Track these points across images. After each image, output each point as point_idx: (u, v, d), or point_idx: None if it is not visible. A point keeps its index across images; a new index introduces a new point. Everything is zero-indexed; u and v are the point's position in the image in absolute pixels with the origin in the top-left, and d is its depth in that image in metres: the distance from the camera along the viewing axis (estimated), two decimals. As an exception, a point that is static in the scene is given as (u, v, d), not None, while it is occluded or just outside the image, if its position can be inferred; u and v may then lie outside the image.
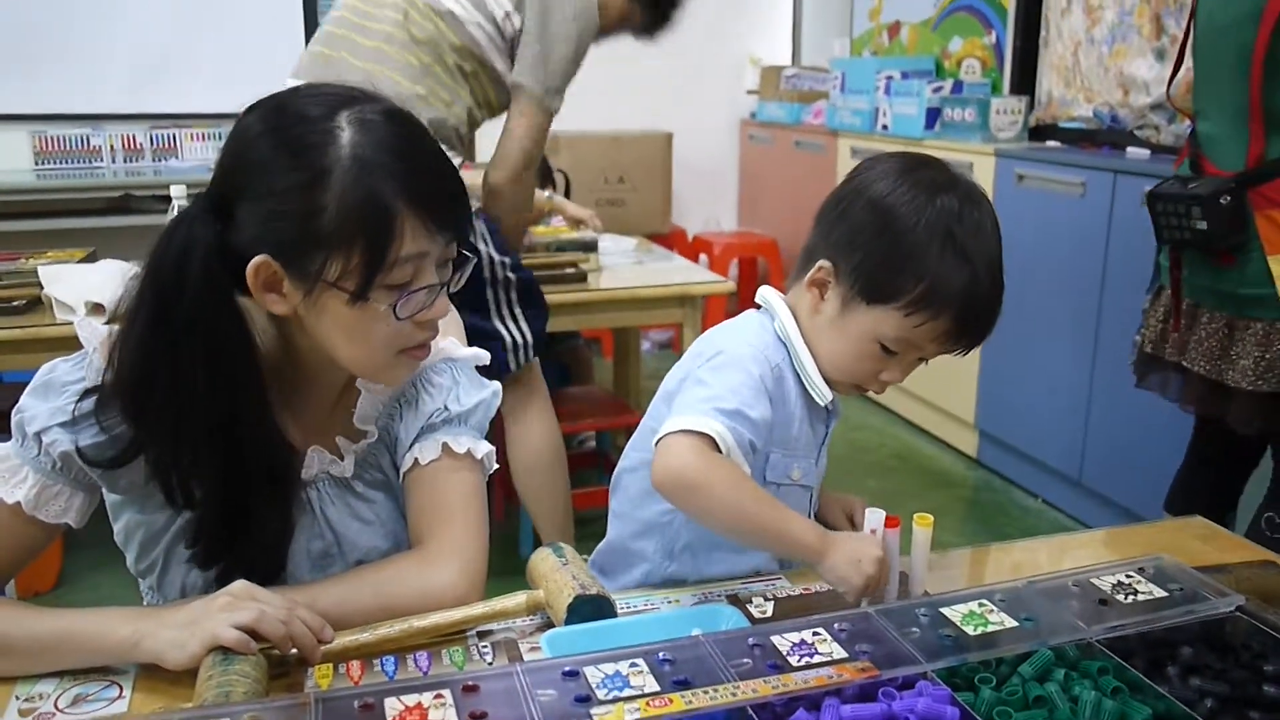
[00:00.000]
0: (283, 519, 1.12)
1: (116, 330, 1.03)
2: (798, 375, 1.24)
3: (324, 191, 0.98)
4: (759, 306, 1.30)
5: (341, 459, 1.17)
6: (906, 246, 1.14)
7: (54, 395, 1.04)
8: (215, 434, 1.03)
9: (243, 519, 1.07)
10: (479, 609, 1.08)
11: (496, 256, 2.30)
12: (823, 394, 1.23)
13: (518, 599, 1.09)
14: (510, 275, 2.33)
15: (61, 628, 0.99)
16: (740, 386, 1.15)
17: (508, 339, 2.32)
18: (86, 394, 1.03)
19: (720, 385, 1.15)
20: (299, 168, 0.98)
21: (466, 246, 1.09)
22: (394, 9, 2.21)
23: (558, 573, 1.10)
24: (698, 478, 1.09)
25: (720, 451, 1.10)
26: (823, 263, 1.20)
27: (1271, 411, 1.91)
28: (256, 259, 1.00)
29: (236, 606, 0.97)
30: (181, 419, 1.02)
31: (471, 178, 1.99)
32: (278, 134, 1.00)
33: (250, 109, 1.04)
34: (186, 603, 1.01)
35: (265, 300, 1.03)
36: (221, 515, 1.07)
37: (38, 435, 1.04)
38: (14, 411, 1.05)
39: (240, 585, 1.01)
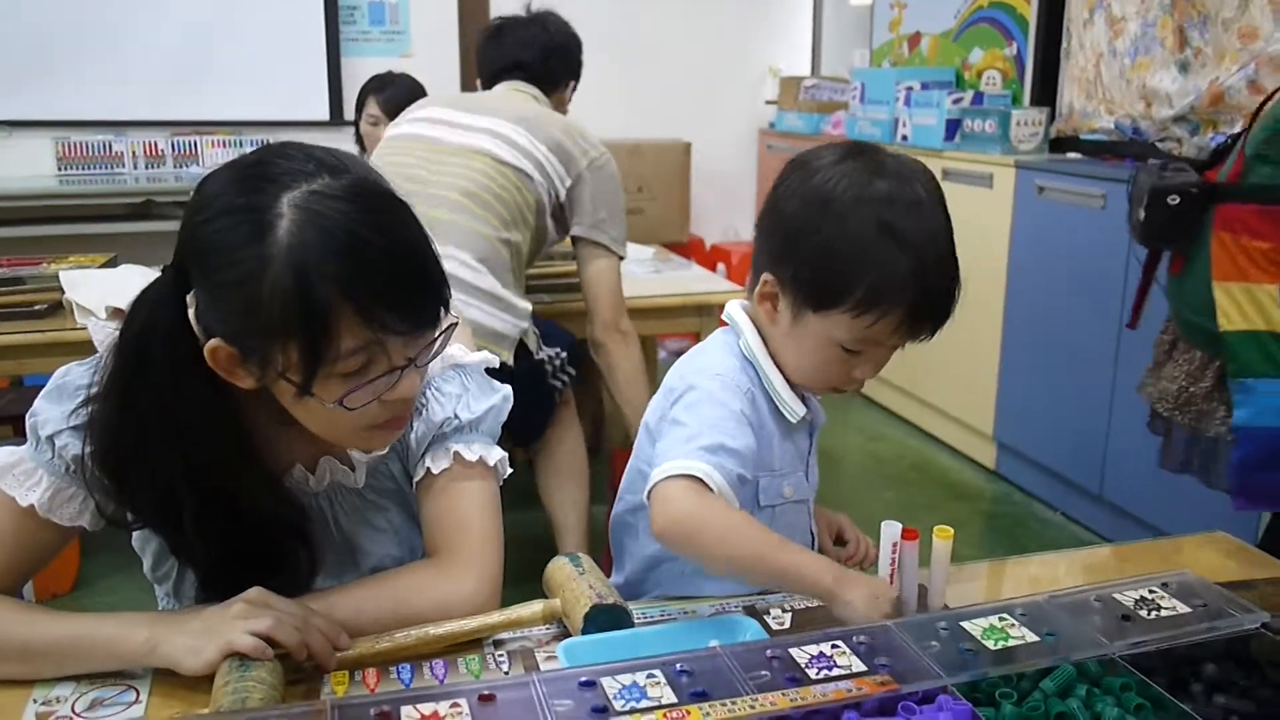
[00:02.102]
0: (307, 559, 1.11)
1: (93, 398, 1.02)
2: (768, 394, 1.22)
3: (259, 287, 0.93)
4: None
5: (352, 469, 1.17)
6: (841, 248, 1.10)
7: (66, 399, 1.05)
8: (204, 499, 1.03)
9: (254, 569, 1.06)
10: (495, 617, 1.08)
11: (549, 353, 2.39)
12: (794, 411, 1.22)
13: (534, 608, 1.09)
14: (563, 356, 2.44)
15: (78, 632, 0.99)
16: (718, 420, 1.13)
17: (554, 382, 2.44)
18: (93, 400, 1.03)
19: (698, 423, 1.13)
20: (236, 262, 0.94)
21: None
22: (468, 165, 2.26)
23: (574, 582, 1.10)
24: (697, 524, 1.06)
25: (711, 491, 1.07)
26: (766, 276, 1.17)
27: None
28: (212, 342, 0.97)
29: (252, 613, 0.97)
30: (166, 489, 1.02)
31: None
32: (226, 217, 0.95)
33: (210, 177, 0.99)
34: (202, 609, 1.01)
35: (232, 377, 1.00)
36: (229, 566, 1.06)
37: (50, 439, 1.04)
38: (29, 415, 1.06)
39: (256, 592, 1.01)
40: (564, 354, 2.45)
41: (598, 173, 2.36)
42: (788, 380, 1.22)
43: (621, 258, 2.40)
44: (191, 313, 0.99)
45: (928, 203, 1.12)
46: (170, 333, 0.99)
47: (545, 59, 2.49)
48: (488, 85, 2.53)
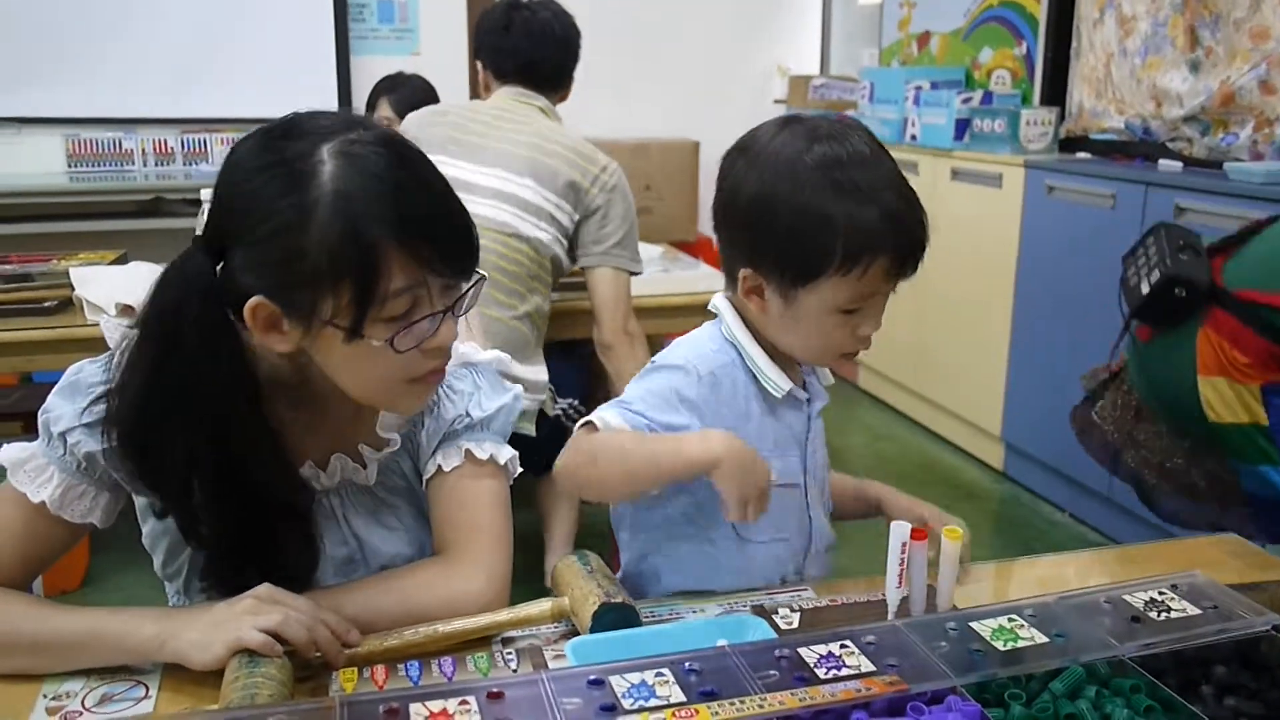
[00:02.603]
0: (308, 549, 1.11)
1: (114, 379, 1.02)
2: (753, 374, 1.23)
3: (306, 232, 0.95)
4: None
5: (364, 467, 1.17)
6: (807, 220, 1.12)
7: (79, 396, 1.05)
8: (222, 477, 1.03)
9: (257, 557, 1.07)
10: (504, 615, 1.08)
11: (563, 405, 2.42)
12: (778, 386, 1.22)
13: (542, 606, 1.09)
14: (575, 404, 2.50)
15: (87, 626, 1.00)
16: (648, 394, 1.17)
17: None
18: (106, 396, 1.03)
19: (633, 391, 1.19)
20: (280, 211, 0.96)
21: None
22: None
23: (583, 580, 1.10)
24: (588, 453, 1.13)
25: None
26: (744, 272, 1.19)
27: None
28: (252, 301, 0.98)
29: (261, 610, 0.97)
30: (186, 466, 1.02)
31: None
32: (262, 174, 0.98)
33: (238, 145, 1.01)
34: (211, 605, 1.01)
35: (268, 340, 1.01)
36: (235, 553, 1.07)
37: (62, 435, 1.04)
38: (41, 411, 1.06)
39: (265, 588, 1.01)
40: (576, 401, 2.47)
41: (609, 195, 2.33)
42: (776, 358, 1.23)
43: (635, 273, 2.40)
44: (224, 280, 0.99)
45: (871, 152, 1.15)
46: (202, 303, 0.99)
47: (553, 56, 2.42)
48: (497, 79, 2.45)
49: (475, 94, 2.61)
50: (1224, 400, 1.64)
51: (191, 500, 1.04)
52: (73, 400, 1.05)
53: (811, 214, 1.11)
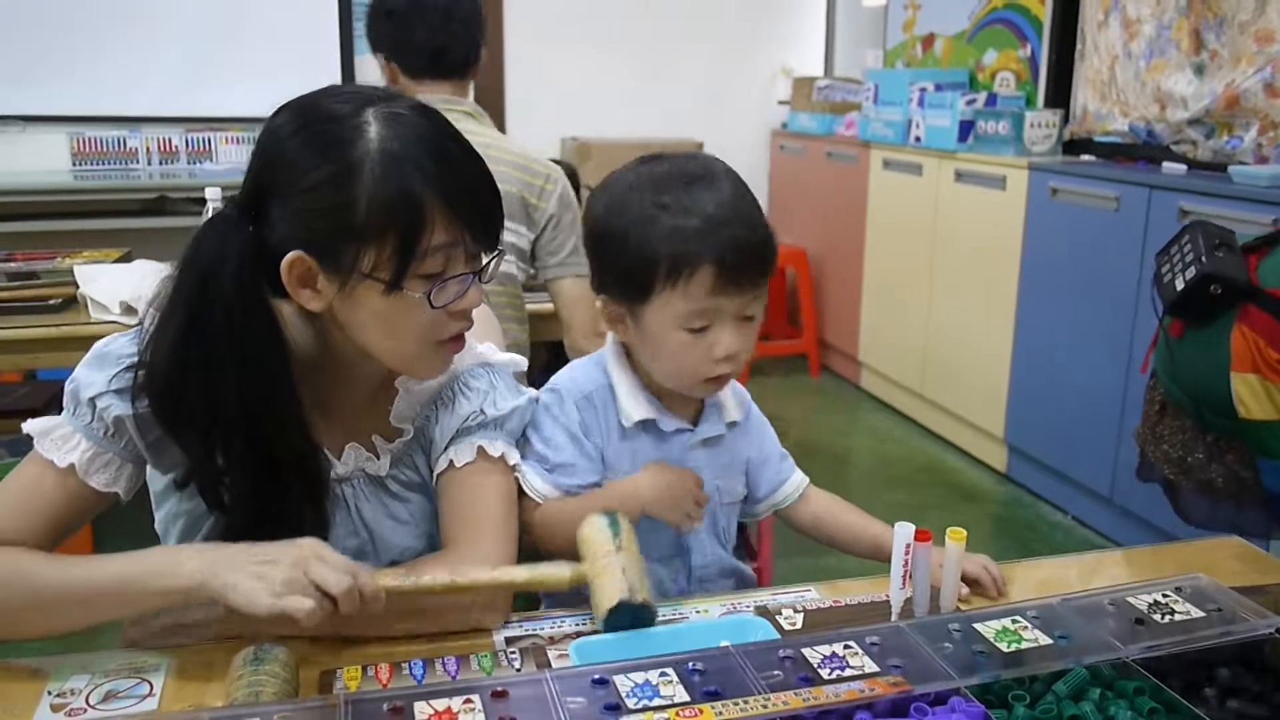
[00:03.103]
0: (318, 518, 1.12)
1: (148, 334, 1.04)
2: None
3: (354, 185, 0.99)
4: None
5: (378, 457, 1.18)
6: (634, 238, 1.17)
7: (108, 365, 1.06)
8: (248, 436, 1.04)
9: (272, 522, 1.07)
10: (521, 573, 1.07)
11: None
12: (628, 415, 1.26)
13: (561, 571, 1.08)
14: None
15: (116, 570, 1.00)
16: (547, 444, 1.25)
17: None
18: (137, 361, 1.04)
19: (536, 439, 1.26)
20: (329, 162, 1.00)
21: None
22: None
23: (609, 558, 1.08)
24: (539, 532, 1.23)
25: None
26: (600, 299, 1.25)
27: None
28: (290, 255, 1.01)
29: (308, 565, 0.98)
30: (214, 423, 1.03)
31: None
32: (306, 131, 1.02)
33: (279, 110, 1.05)
34: (252, 547, 1.00)
35: (300, 296, 1.04)
36: (252, 517, 1.07)
37: (92, 401, 1.05)
38: (68, 383, 1.08)
39: (311, 544, 1.00)
40: None
41: (557, 204, 2.23)
42: (653, 387, 1.27)
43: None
44: (260, 239, 1.02)
45: (706, 175, 1.19)
46: (239, 259, 1.01)
47: (469, 36, 2.22)
48: (406, 74, 2.24)
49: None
50: (1256, 396, 1.66)
51: (215, 462, 1.05)
52: (103, 369, 1.06)
53: (637, 231, 1.17)
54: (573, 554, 1.12)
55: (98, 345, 1.10)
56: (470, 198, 1.05)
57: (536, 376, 2.33)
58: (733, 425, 1.33)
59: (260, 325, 1.04)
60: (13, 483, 1.06)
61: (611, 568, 1.07)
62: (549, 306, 2.36)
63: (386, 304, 1.03)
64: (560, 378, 1.30)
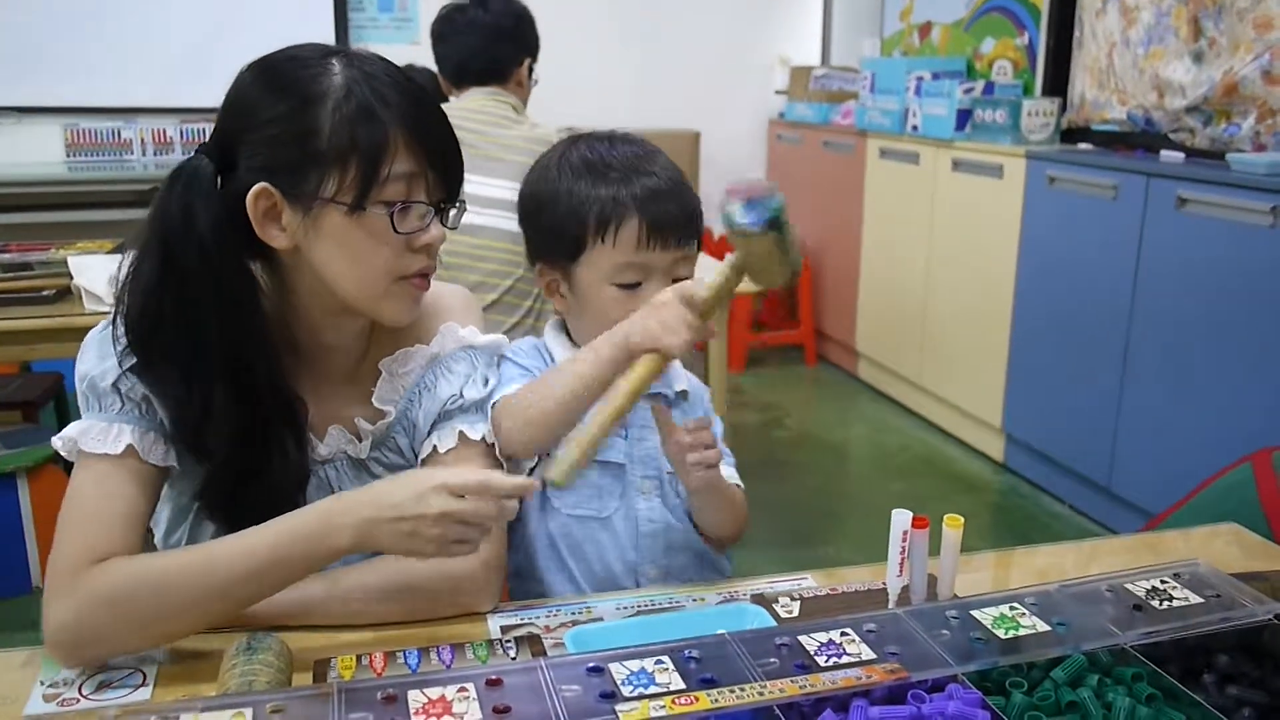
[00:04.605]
0: (298, 462, 1.12)
1: (124, 280, 1.04)
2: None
3: (318, 113, 1.02)
4: None
5: (360, 439, 1.18)
6: (563, 202, 1.23)
7: (110, 349, 1.06)
8: (225, 377, 1.04)
9: (253, 468, 1.08)
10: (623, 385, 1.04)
11: None
12: None
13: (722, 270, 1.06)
14: None
15: (268, 549, 0.98)
16: (508, 372, 1.25)
17: None
18: (129, 271, 1.05)
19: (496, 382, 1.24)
20: (292, 96, 1.03)
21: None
22: (485, 253, 2.33)
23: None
24: (507, 418, 1.18)
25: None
26: (538, 267, 1.29)
27: None
28: (256, 187, 1.02)
29: (452, 510, 0.97)
30: (191, 360, 1.04)
31: None
32: (270, 75, 1.05)
33: (241, 73, 1.08)
34: (393, 492, 0.99)
35: (267, 234, 1.04)
36: (233, 462, 1.07)
37: (114, 386, 1.05)
38: (78, 383, 1.07)
39: (435, 486, 0.98)
40: None
41: None
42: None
43: None
44: (227, 184, 1.04)
45: (633, 146, 1.26)
46: (207, 199, 1.03)
47: (487, 49, 2.46)
48: (454, 85, 2.53)
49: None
50: None
51: (196, 406, 1.05)
52: (106, 356, 1.06)
53: (566, 191, 1.23)
54: (543, 431, 1.14)
55: (89, 338, 1.09)
56: (432, 133, 1.07)
57: None
58: (683, 395, 1.32)
59: (233, 262, 1.05)
60: (78, 500, 1.02)
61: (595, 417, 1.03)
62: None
63: (350, 228, 1.04)
64: (509, 348, 1.30)
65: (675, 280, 1.19)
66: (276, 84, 1.04)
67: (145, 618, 0.97)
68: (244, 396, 1.06)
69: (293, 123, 1.02)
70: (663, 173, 1.24)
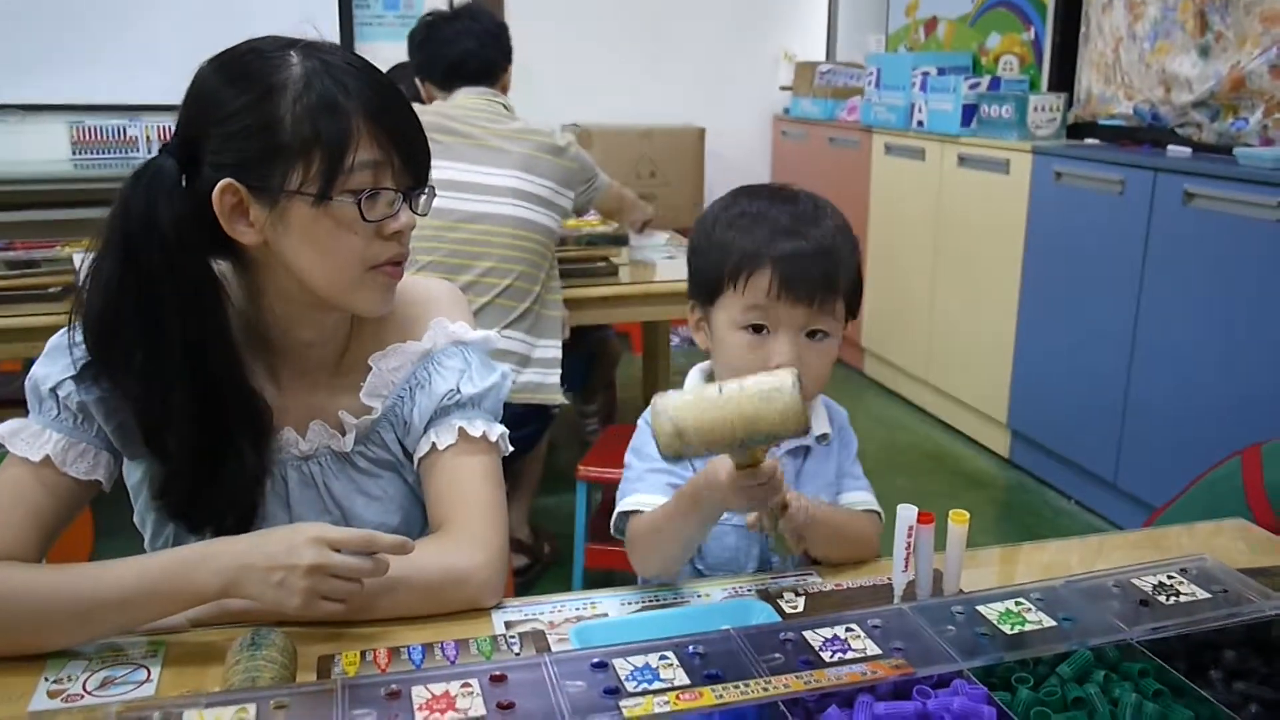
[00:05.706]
0: (255, 465, 1.11)
1: (85, 277, 1.04)
2: None
3: (279, 104, 1.01)
4: None
5: (343, 433, 1.18)
6: (712, 249, 1.24)
7: (63, 355, 1.06)
8: (185, 378, 1.04)
9: (214, 468, 1.08)
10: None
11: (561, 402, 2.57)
12: None
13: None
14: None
15: (135, 585, 0.99)
16: (640, 470, 1.26)
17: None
18: (91, 268, 1.05)
19: (630, 471, 1.27)
20: (252, 89, 1.02)
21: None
22: (489, 239, 2.42)
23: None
24: (631, 539, 1.21)
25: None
26: (690, 303, 1.31)
27: None
28: (220, 184, 1.01)
29: (321, 558, 0.98)
30: (151, 361, 1.03)
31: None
32: (229, 68, 1.04)
33: (206, 62, 1.06)
34: (265, 545, 1.00)
35: (235, 230, 1.04)
36: (193, 462, 1.07)
37: (53, 391, 1.05)
38: (27, 381, 1.08)
39: (317, 531, 1.00)
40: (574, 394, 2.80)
41: (577, 156, 2.60)
42: None
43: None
44: (191, 183, 1.03)
45: (790, 193, 1.27)
46: (170, 198, 1.02)
47: (480, 51, 2.60)
48: (441, 88, 2.64)
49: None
50: None
51: (158, 407, 1.05)
52: (57, 361, 1.07)
53: (717, 237, 1.25)
54: (659, 563, 1.19)
55: (51, 341, 1.10)
56: (396, 120, 1.06)
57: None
58: (823, 439, 1.31)
59: (195, 263, 1.05)
60: None
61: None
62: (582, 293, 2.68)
63: (318, 219, 1.03)
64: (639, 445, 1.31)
65: (809, 335, 1.21)
66: (236, 77, 1.03)
67: (8, 625, 0.98)
68: (205, 397, 1.06)
69: (254, 116, 1.01)
70: (814, 234, 1.22)
